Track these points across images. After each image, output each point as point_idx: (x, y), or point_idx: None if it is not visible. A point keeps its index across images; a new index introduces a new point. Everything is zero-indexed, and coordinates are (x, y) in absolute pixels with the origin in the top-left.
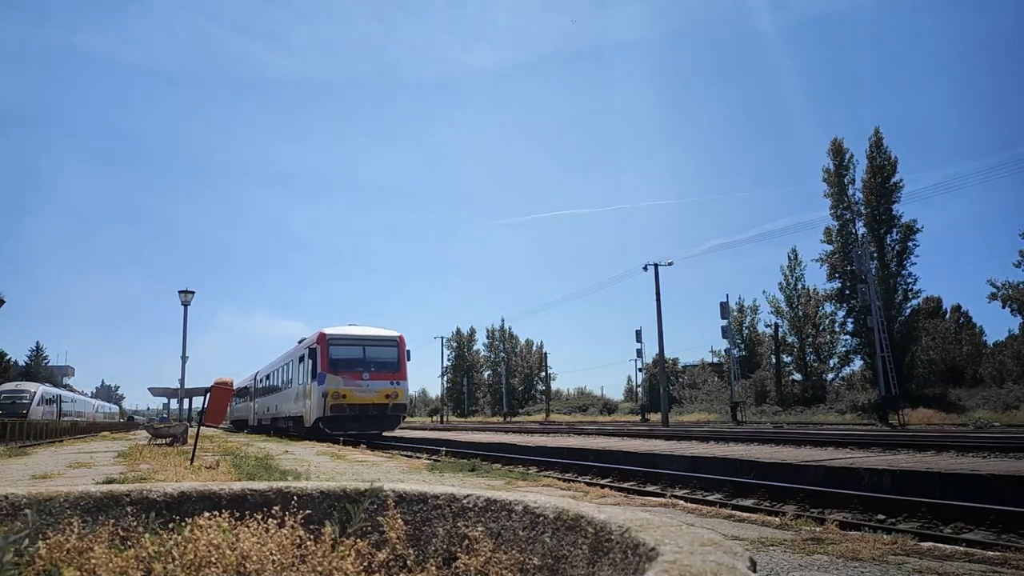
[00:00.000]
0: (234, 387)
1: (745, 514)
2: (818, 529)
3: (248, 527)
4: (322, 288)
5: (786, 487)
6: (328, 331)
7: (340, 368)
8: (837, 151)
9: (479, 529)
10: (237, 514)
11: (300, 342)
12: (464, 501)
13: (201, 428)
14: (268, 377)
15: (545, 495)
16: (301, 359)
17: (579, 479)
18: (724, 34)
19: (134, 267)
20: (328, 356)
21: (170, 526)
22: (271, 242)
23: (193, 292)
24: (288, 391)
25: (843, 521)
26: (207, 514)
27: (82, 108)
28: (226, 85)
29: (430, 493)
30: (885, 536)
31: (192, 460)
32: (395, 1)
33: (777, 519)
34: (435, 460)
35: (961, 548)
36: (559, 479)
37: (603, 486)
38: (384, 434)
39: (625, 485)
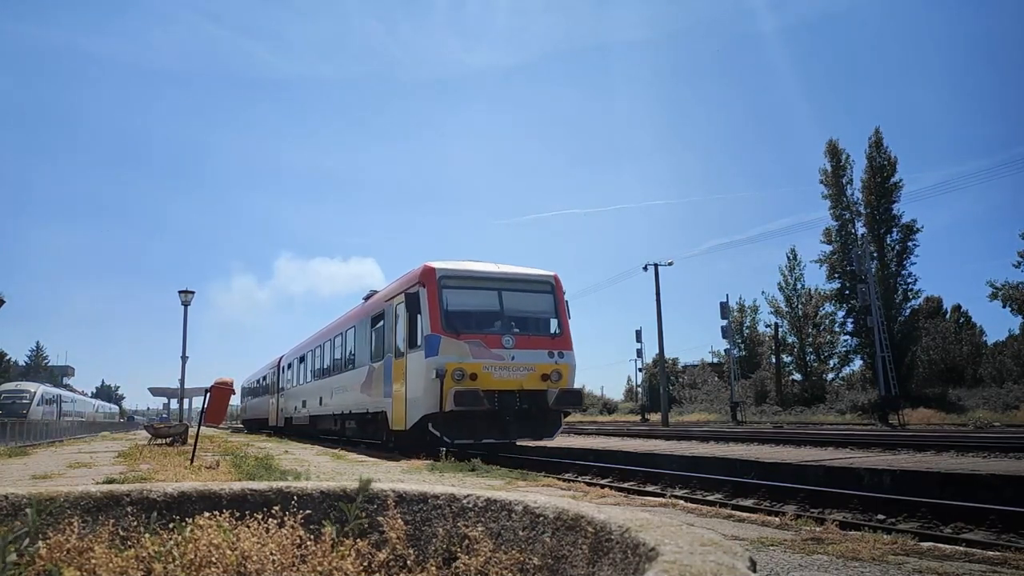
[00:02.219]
0: (245, 382)
1: (745, 514)
2: (818, 529)
3: (248, 527)
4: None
5: (786, 487)
6: (438, 265)
7: (462, 327)
8: (833, 152)
9: (479, 529)
10: (237, 514)
11: (367, 299)
12: (464, 501)
13: (201, 428)
14: (304, 360)
15: (545, 495)
16: (378, 320)
17: (579, 479)
18: (725, 34)
19: (134, 266)
20: (442, 307)
21: (170, 526)
22: (266, 242)
23: (193, 292)
24: (349, 375)
25: (843, 521)
26: (207, 514)
27: (82, 108)
28: (226, 84)
29: (430, 493)
30: (885, 536)
31: (192, 460)
32: (396, 1)
33: (777, 519)
34: (434, 460)
35: (961, 548)
36: (559, 479)
37: (603, 486)
38: (544, 444)
39: (625, 485)
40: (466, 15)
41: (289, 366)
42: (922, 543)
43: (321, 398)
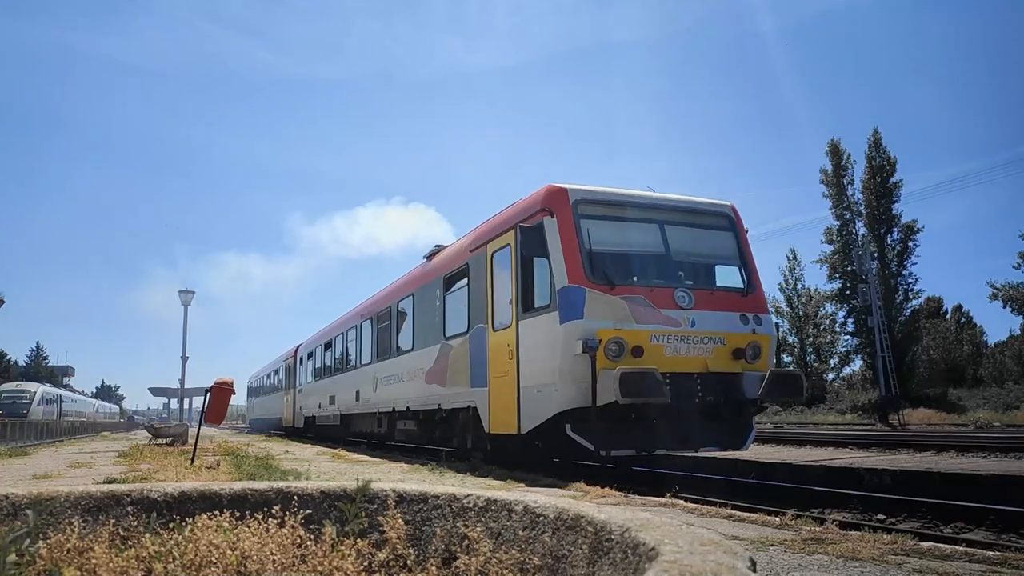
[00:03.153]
0: (251, 379)
1: (745, 514)
2: (818, 529)
3: (249, 527)
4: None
5: (786, 487)
6: (571, 186)
7: (616, 276)
8: (834, 152)
9: (479, 529)
10: (238, 514)
11: (431, 257)
12: (464, 501)
13: (202, 428)
14: (331, 346)
15: (545, 495)
16: (455, 281)
17: (579, 479)
18: (725, 34)
19: (134, 266)
20: (583, 245)
21: (170, 526)
22: (270, 244)
23: (193, 292)
24: (406, 360)
25: (843, 521)
26: (207, 514)
27: (81, 108)
28: (225, 84)
29: (430, 493)
30: (885, 536)
31: (192, 460)
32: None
33: (777, 519)
34: (434, 460)
35: (961, 548)
36: (558, 480)
37: (603, 485)
38: (736, 455)
39: (625, 485)
40: (466, 14)
41: (309, 356)
42: (922, 543)
43: (358, 392)
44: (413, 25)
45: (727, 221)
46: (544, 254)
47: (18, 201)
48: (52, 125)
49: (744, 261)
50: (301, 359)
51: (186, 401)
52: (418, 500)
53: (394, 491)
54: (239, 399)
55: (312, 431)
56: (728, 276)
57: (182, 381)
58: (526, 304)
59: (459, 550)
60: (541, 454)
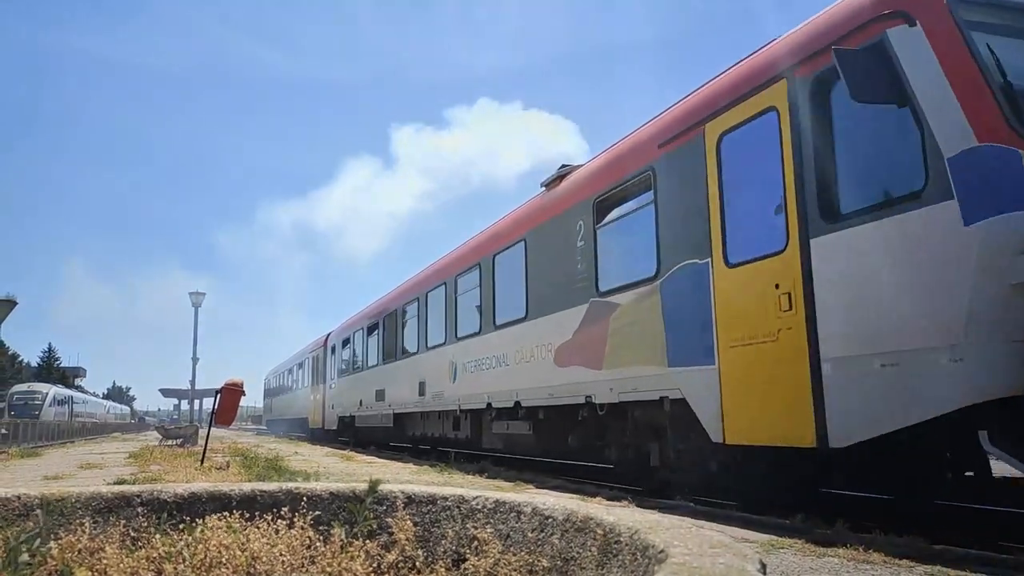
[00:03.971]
0: (270, 375)
1: (755, 516)
2: (829, 531)
3: (258, 528)
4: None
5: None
6: None
7: None
8: None
9: (488, 530)
10: (247, 515)
11: (553, 183)
12: (473, 502)
13: (212, 429)
14: (379, 328)
15: (554, 497)
16: (647, 185)
17: (588, 481)
18: (729, 35)
19: (147, 269)
20: (986, 71)
21: (180, 527)
22: (285, 244)
23: (204, 294)
24: (527, 331)
25: (854, 523)
26: (217, 515)
27: (96, 112)
28: (237, 87)
29: (439, 494)
30: (897, 538)
31: (202, 461)
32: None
33: (787, 521)
34: (444, 462)
35: (974, 551)
36: (568, 481)
37: (611, 487)
38: None
39: (634, 486)
40: (475, 18)
41: (345, 344)
42: (935, 545)
43: (423, 383)
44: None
45: None
46: (895, 95)
47: (30, 204)
48: (65, 129)
49: None
50: (333, 348)
51: (196, 402)
52: (427, 501)
53: (403, 492)
54: (252, 399)
55: (348, 434)
56: None
57: (192, 382)
58: (830, 205)
59: (468, 552)
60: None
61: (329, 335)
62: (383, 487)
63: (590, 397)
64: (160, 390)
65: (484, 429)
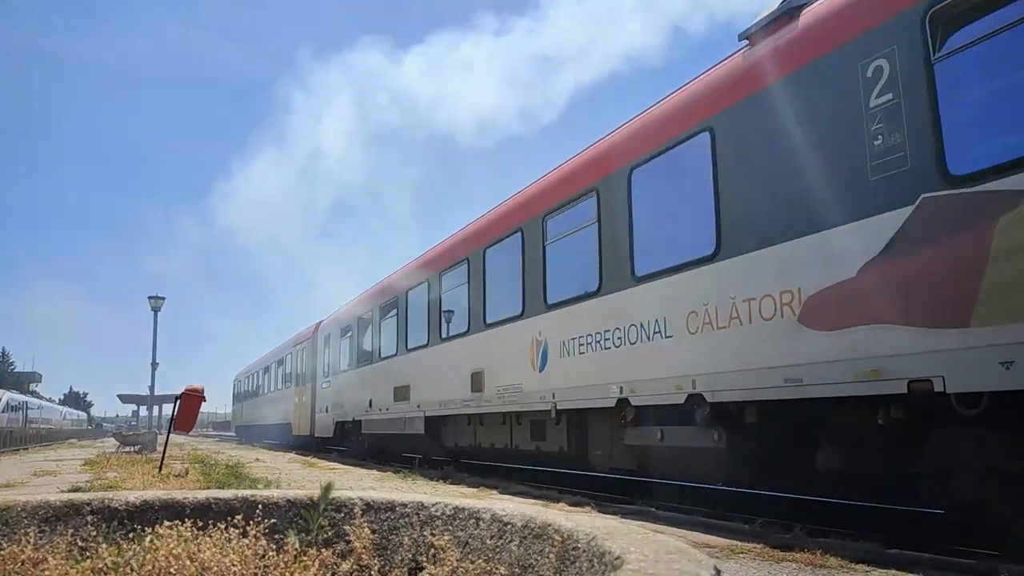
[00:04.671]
0: (241, 375)
1: (716, 521)
2: (787, 536)
3: (211, 537)
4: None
5: (758, 493)
6: None
7: None
8: None
9: (446, 538)
10: (201, 523)
11: (774, 27)
12: (432, 509)
13: (171, 435)
14: (399, 307)
15: (514, 503)
16: None
17: (552, 487)
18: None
19: (107, 271)
20: None
21: (131, 536)
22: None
23: (163, 298)
24: (728, 273)
25: (812, 528)
26: (169, 524)
27: (49, 114)
28: (204, 88)
29: (398, 501)
30: (852, 543)
31: (161, 468)
32: None
33: (747, 526)
34: (408, 468)
35: (926, 555)
36: (533, 487)
37: (575, 492)
38: None
39: (599, 492)
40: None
41: (345, 332)
42: (889, 549)
43: (479, 374)
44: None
45: None
46: None
47: None
48: (18, 128)
49: None
50: (327, 340)
51: (155, 408)
52: (386, 508)
53: (361, 499)
54: (213, 405)
55: (351, 443)
56: None
57: (151, 388)
58: None
59: (426, 559)
60: None
61: (320, 324)
62: (341, 494)
63: (922, 380)
64: (119, 396)
65: (600, 439)
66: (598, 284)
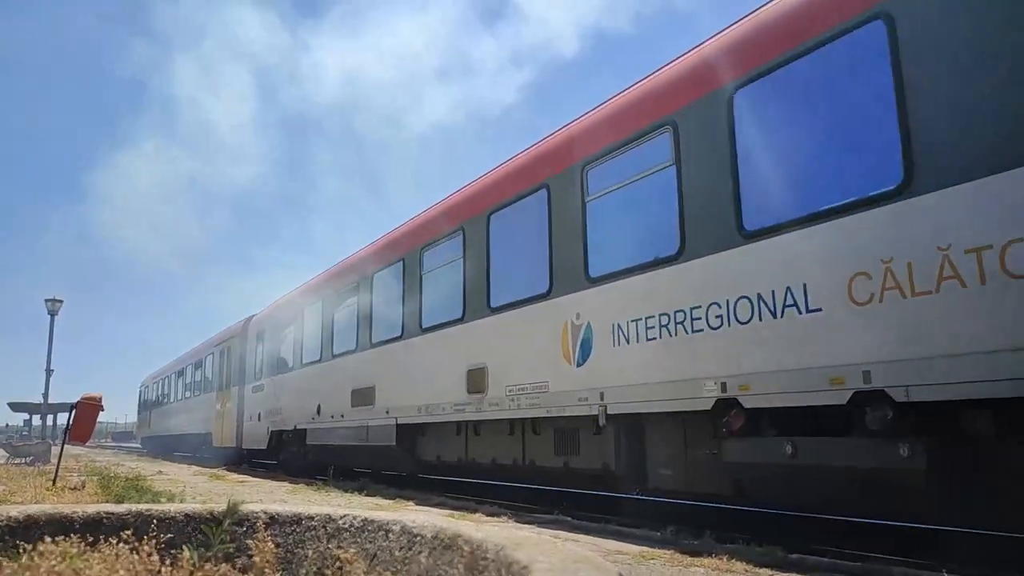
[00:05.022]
0: (148, 381)
1: (630, 529)
2: (696, 543)
3: (100, 552)
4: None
5: (670, 502)
6: None
7: None
8: None
9: (352, 550)
10: (91, 539)
11: None
12: (340, 521)
13: (67, 446)
14: (439, 249)
15: (428, 515)
16: None
17: (470, 498)
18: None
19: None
20: None
21: (9, 554)
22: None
23: (61, 301)
24: None
25: (720, 535)
26: (54, 539)
27: None
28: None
29: (305, 514)
30: (757, 548)
31: (55, 481)
32: None
33: (659, 533)
34: (323, 480)
35: (826, 560)
36: (452, 498)
37: (493, 503)
38: None
39: (516, 502)
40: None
41: (286, 325)
42: (791, 555)
43: (480, 372)
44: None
45: None
46: None
47: None
48: None
49: None
50: (261, 336)
51: (50, 417)
52: (291, 521)
53: (265, 512)
54: (111, 415)
55: (295, 456)
56: None
57: (45, 395)
58: None
59: (331, 573)
60: None
61: (252, 319)
62: (245, 507)
63: None
64: (9, 404)
65: (668, 454)
66: (679, 245)
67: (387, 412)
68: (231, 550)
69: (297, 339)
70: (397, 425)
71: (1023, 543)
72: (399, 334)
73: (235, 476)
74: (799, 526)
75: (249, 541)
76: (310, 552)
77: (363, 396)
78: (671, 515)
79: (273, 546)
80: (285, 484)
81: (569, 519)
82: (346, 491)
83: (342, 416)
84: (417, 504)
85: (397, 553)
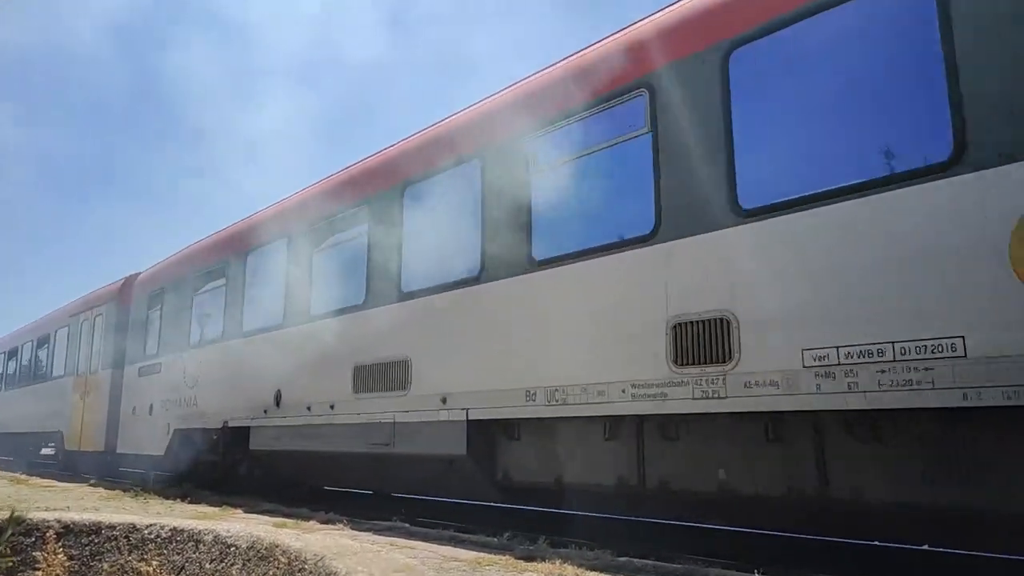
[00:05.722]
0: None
1: (467, 536)
2: (531, 547)
3: None
4: None
5: (507, 507)
6: None
7: None
8: None
9: (156, 563)
10: None
11: None
12: (146, 531)
13: None
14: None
15: (250, 523)
16: None
17: (302, 506)
18: None
19: None
20: None
21: None
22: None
23: None
24: None
25: (554, 540)
26: None
27: None
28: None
29: (105, 523)
30: (589, 552)
31: None
32: None
33: (495, 539)
34: (145, 486)
35: (651, 562)
36: (283, 505)
37: (327, 510)
38: None
39: (351, 509)
40: None
41: (196, 288)
42: (619, 558)
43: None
44: None
45: None
46: None
47: None
48: None
49: None
50: (157, 298)
51: None
52: (88, 532)
53: (59, 521)
54: None
55: (220, 466)
56: None
57: None
58: None
59: None
60: None
61: (139, 277)
62: (34, 516)
63: None
64: None
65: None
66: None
67: (443, 401)
68: (13, 563)
69: (234, 298)
70: (468, 422)
71: None
72: (476, 273)
73: (40, 481)
74: (659, 536)
75: (37, 553)
76: (106, 565)
77: (382, 376)
78: (517, 519)
79: (65, 558)
80: (99, 490)
81: (407, 526)
82: (167, 498)
83: (331, 408)
84: (245, 512)
85: (208, 566)
